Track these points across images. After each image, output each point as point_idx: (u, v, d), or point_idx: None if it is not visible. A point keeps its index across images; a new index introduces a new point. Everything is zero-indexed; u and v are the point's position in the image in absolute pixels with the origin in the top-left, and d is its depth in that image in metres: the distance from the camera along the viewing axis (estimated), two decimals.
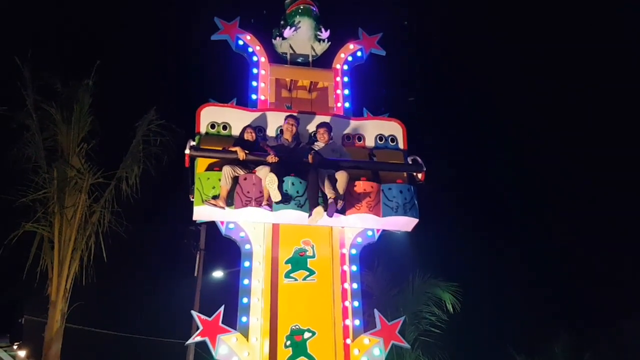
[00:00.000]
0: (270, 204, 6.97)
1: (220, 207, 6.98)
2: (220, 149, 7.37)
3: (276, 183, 6.84)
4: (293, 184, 7.14)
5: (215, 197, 7.00)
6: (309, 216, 6.98)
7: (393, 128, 8.27)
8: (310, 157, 7.16)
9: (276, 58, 8.73)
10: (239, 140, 7.45)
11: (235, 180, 7.10)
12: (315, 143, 7.70)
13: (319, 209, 6.88)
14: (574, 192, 24.23)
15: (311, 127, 7.99)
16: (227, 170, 7.02)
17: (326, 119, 7.98)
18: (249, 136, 7.50)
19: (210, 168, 7.27)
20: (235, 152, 7.13)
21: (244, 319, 6.97)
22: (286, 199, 7.04)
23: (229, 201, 7.03)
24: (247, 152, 7.14)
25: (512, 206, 24.64)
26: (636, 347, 17.52)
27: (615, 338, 17.85)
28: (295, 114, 7.82)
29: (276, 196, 6.91)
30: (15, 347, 5.97)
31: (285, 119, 7.65)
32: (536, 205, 24.72)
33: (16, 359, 6.08)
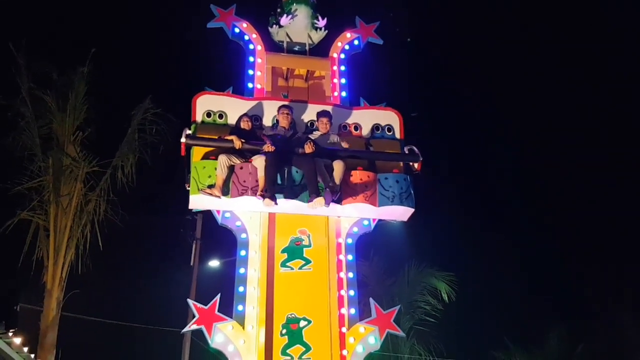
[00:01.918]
0: (263, 195, 6.94)
1: (216, 196, 6.97)
2: (216, 137, 7.33)
3: (272, 204, 6.88)
4: (289, 173, 7.14)
5: (211, 186, 6.98)
6: (309, 202, 6.96)
7: (390, 118, 8.23)
8: (307, 146, 7.14)
9: (273, 46, 8.67)
10: (236, 129, 7.42)
11: (231, 169, 7.08)
12: (313, 132, 7.67)
13: (320, 200, 6.88)
14: (570, 184, 24.32)
15: (307, 117, 7.96)
16: (223, 159, 7.00)
17: (325, 107, 7.94)
18: (245, 125, 7.46)
19: (206, 157, 7.23)
20: (231, 140, 7.10)
21: (240, 307, 6.99)
22: (282, 191, 7.05)
23: (225, 190, 7.01)
24: (243, 140, 7.11)
25: (508, 197, 24.71)
26: (629, 339, 17.66)
27: (609, 330, 17.97)
28: (287, 103, 7.78)
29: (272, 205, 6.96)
30: (10, 334, 5.98)
31: (279, 109, 7.61)
32: (532, 196, 24.82)
33: (12, 346, 6.08)
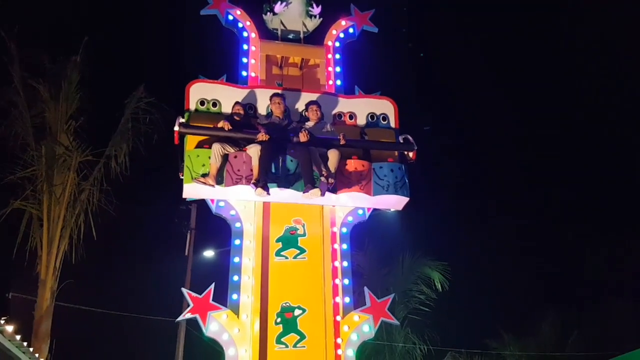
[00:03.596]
0: (256, 184, 6.90)
1: (210, 185, 6.93)
2: (211, 126, 7.28)
3: (265, 193, 6.85)
4: (284, 162, 7.11)
5: (204, 175, 6.94)
6: (304, 192, 6.94)
7: (385, 106, 8.20)
8: (301, 135, 7.11)
9: (267, 34, 8.60)
10: (229, 117, 7.37)
11: (225, 158, 7.04)
12: (307, 123, 7.63)
13: (316, 191, 6.88)
14: (566, 174, 24.40)
15: (301, 105, 7.90)
16: (217, 148, 6.95)
17: (316, 96, 7.90)
18: (237, 111, 7.42)
19: (200, 145, 7.18)
20: (222, 127, 7.06)
21: (234, 296, 6.98)
22: (276, 180, 7.02)
23: (219, 179, 6.98)
24: (228, 122, 7.04)
25: (503, 187, 24.80)
26: (620, 327, 17.81)
27: (602, 318, 18.12)
28: (279, 92, 7.73)
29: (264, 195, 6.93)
30: (2, 322, 5.98)
31: (271, 98, 7.56)
32: (526, 186, 24.91)
33: (4, 334, 6.08)
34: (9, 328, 6.27)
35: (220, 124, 7.10)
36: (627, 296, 18.60)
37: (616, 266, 19.77)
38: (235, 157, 7.06)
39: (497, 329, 16.84)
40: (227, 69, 8.15)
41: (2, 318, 6.14)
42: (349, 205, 7.67)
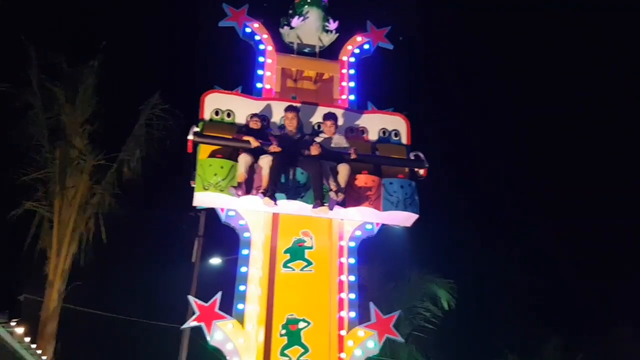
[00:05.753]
0: (264, 193, 6.94)
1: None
2: (226, 136, 7.30)
3: (272, 204, 6.88)
4: (294, 174, 7.16)
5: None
6: (313, 207, 6.98)
7: (397, 123, 8.23)
8: (313, 148, 7.15)
9: (283, 47, 8.69)
10: (245, 129, 7.42)
11: (252, 168, 7.04)
12: (319, 135, 7.67)
13: (324, 208, 6.93)
14: (572, 196, 24.27)
15: (314, 119, 7.94)
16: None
17: (331, 110, 7.94)
18: (255, 125, 7.46)
19: (212, 155, 7.24)
20: (234, 139, 7.10)
21: (240, 306, 7.00)
22: (286, 192, 7.06)
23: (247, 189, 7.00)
24: (260, 141, 7.05)
25: (511, 207, 24.68)
26: (625, 351, 17.63)
27: (607, 342, 17.95)
28: (294, 105, 7.79)
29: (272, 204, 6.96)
30: (13, 323, 6.03)
31: (285, 110, 7.61)
32: (535, 209, 24.79)
33: (13, 336, 6.12)
34: (19, 330, 6.33)
35: (247, 138, 7.09)
36: (632, 319, 18.42)
37: (622, 289, 19.61)
38: None
39: (502, 350, 16.70)
40: (242, 80, 8.23)
41: (13, 320, 6.20)
42: (357, 219, 7.68)
